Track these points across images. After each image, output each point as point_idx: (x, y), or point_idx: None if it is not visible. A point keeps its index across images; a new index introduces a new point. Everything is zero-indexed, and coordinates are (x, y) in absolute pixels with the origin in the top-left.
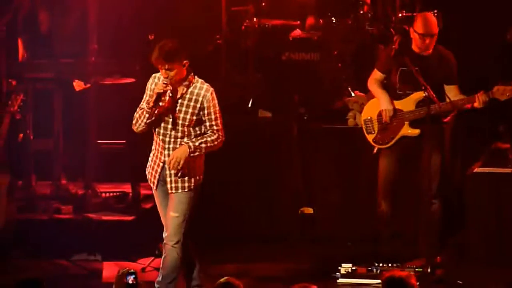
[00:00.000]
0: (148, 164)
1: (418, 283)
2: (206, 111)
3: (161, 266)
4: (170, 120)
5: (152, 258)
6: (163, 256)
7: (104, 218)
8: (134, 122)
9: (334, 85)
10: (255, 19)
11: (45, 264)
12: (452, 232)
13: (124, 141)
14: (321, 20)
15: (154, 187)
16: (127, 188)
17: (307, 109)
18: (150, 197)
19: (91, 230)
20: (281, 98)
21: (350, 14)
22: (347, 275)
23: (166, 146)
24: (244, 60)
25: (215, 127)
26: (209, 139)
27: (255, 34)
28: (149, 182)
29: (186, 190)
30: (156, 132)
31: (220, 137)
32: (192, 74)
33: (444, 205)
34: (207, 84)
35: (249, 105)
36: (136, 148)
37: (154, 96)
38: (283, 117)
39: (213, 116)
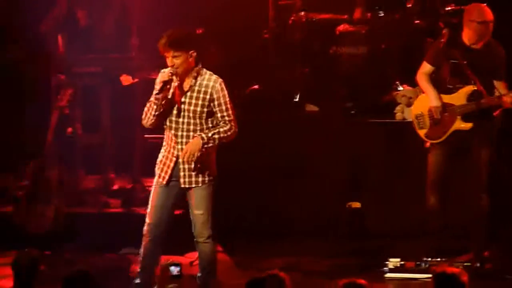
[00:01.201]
0: (159, 159)
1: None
2: (216, 102)
3: (198, 262)
4: (181, 113)
5: None
6: (198, 252)
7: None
8: (143, 116)
9: (382, 79)
10: (302, 13)
11: (94, 257)
12: (500, 226)
13: None
14: (368, 14)
15: (164, 182)
16: None
17: (354, 103)
18: None
19: (139, 224)
20: (328, 92)
21: (398, 8)
22: (395, 269)
23: (179, 140)
24: (291, 54)
25: (226, 118)
26: (221, 129)
27: (302, 28)
28: (158, 177)
29: (200, 184)
30: (168, 127)
31: (233, 127)
32: (200, 65)
33: (492, 199)
34: (216, 75)
35: (296, 99)
36: None
37: (160, 85)
38: (330, 111)
39: (224, 107)
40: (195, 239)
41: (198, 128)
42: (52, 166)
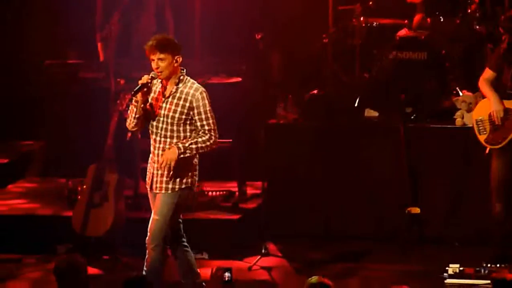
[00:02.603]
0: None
1: None
2: (196, 111)
3: (144, 267)
4: (160, 118)
5: (259, 256)
6: (146, 258)
7: (211, 216)
8: (127, 119)
9: (442, 85)
10: (362, 18)
11: None
12: None
13: (230, 140)
14: (428, 19)
15: (148, 188)
16: (233, 187)
17: (414, 108)
18: (257, 196)
19: (198, 229)
20: (388, 97)
21: (458, 13)
22: (454, 275)
23: (157, 145)
24: (351, 59)
25: (206, 127)
26: (199, 139)
27: (362, 33)
28: (145, 183)
29: (169, 191)
30: (150, 131)
31: (213, 137)
32: (184, 74)
33: None
34: (198, 84)
35: (356, 105)
36: (242, 147)
37: (138, 86)
38: (390, 116)
39: (203, 116)
40: (146, 244)
41: (175, 135)
42: (111, 170)
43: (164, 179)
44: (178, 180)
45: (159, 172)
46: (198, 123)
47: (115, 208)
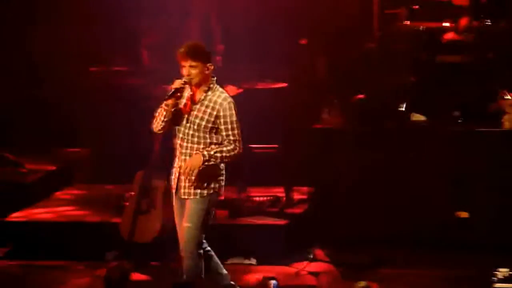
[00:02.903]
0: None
1: None
2: (222, 120)
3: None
4: (188, 124)
5: (306, 262)
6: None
7: (258, 222)
8: (153, 121)
9: (489, 88)
10: (408, 22)
11: None
12: None
13: (276, 146)
14: (475, 22)
15: (174, 191)
16: (280, 192)
17: (461, 112)
18: (304, 202)
19: (245, 234)
20: (434, 101)
21: (505, 16)
22: (504, 280)
23: (183, 151)
24: (397, 63)
25: (231, 137)
26: (225, 149)
27: (408, 37)
28: (170, 187)
29: (198, 196)
30: (176, 137)
31: (237, 148)
32: (214, 82)
33: None
34: (227, 94)
35: (403, 109)
36: (289, 153)
37: (171, 91)
38: (437, 120)
39: (229, 126)
40: (180, 252)
41: (202, 141)
42: (159, 177)
43: (191, 184)
44: (206, 185)
45: (186, 179)
46: (224, 133)
47: (162, 215)
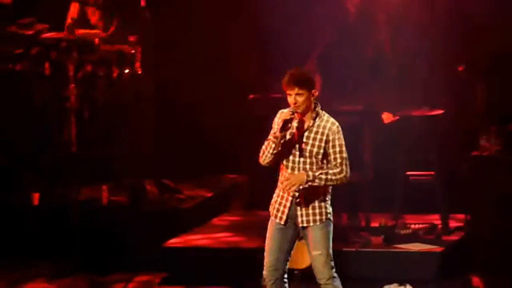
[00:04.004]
0: (273, 200)
1: None
2: (331, 144)
3: None
4: (297, 153)
5: None
6: None
7: (414, 249)
8: (261, 154)
9: None
10: None
11: None
12: None
13: (433, 173)
14: None
15: (282, 223)
16: (436, 219)
17: None
18: (460, 229)
19: (401, 261)
20: None
21: None
22: None
23: None
24: None
25: (338, 160)
26: (330, 171)
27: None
28: (274, 217)
29: (318, 223)
30: (285, 166)
31: (344, 171)
32: (320, 107)
33: None
34: (333, 119)
35: None
36: (445, 180)
37: (281, 124)
38: None
39: (337, 149)
40: (317, 282)
41: (314, 167)
42: None
43: (311, 211)
44: (323, 211)
45: (303, 206)
46: (332, 156)
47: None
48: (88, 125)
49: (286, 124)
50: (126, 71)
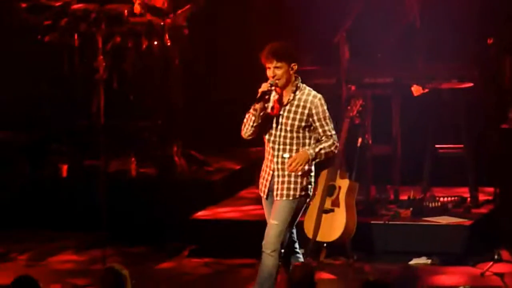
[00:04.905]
0: (261, 173)
1: None
2: (315, 117)
3: (258, 274)
4: (278, 126)
5: (491, 262)
6: (260, 263)
7: (442, 222)
8: (242, 127)
9: None
10: None
11: (383, 267)
12: None
13: (462, 146)
14: None
15: (265, 196)
16: (465, 193)
17: None
18: (489, 202)
19: (429, 234)
20: None
21: None
22: None
23: (276, 153)
24: None
25: (328, 133)
26: (326, 145)
27: None
28: (259, 191)
29: (291, 198)
30: (267, 140)
31: (335, 142)
32: (300, 80)
33: None
34: (314, 91)
35: None
36: (474, 153)
37: (258, 95)
38: None
39: (324, 122)
40: (262, 249)
41: (295, 142)
42: (343, 176)
43: (285, 185)
44: (298, 187)
45: (280, 179)
46: (320, 129)
47: (346, 214)
48: (116, 96)
49: (263, 95)
50: (155, 42)
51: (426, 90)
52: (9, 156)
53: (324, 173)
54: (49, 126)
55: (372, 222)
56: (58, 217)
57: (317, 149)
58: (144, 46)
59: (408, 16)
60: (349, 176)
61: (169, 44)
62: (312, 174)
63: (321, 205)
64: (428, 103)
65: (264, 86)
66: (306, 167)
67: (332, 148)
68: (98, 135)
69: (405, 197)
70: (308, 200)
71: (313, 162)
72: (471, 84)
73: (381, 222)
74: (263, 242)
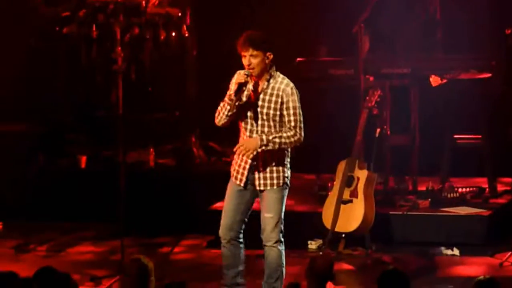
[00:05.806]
0: (235, 160)
1: None
2: (285, 106)
3: (264, 268)
4: (254, 115)
5: (510, 253)
6: (264, 257)
7: (461, 212)
8: (216, 115)
9: None
10: None
11: (403, 257)
12: None
13: (480, 136)
14: None
15: (242, 185)
16: (483, 183)
17: None
18: (508, 192)
19: (448, 224)
20: None
21: None
22: None
23: None
24: None
25: (292, 123)
26: (284, 134)
27: None
28: (233, 179)
29: (275, 187)
30: (243, 128)
31: (298, 134)
32: (274, 69)
33: None
34: (288, 80)
35: None
36: (493, 143)
37: (236, 86)
38: None
39: (291, 112)
40: (263, 243)
41: (272, 130)
42: (361, 167)
43: (268, 175)
44: (281, 175)
45: (260, 169)
46: (286, 118)
47: (365, 204)
48: (135, 87)
49: (240, 87)
50: (173, 34)
51: (445, 81)
52: (25, 148)
53: (342, 164)
54: (67, 118)
55: (391, 212)
56: (77, 208)
57: (271, 137)
58: (162, 37)
59: (429, 7)
60: (368, 166)
61: (186, 35)
62: (286, 163)
63: (339, 196)
64: (446, 94)
65: (241, 78)
66: (258, 151)
67: (292, 140)
68: (116, 126)
69: (424, 188)
70: (288, 189)
71: (264, 149)
72: (489, 75)
73: (400, 212)
74: (263, 237)
